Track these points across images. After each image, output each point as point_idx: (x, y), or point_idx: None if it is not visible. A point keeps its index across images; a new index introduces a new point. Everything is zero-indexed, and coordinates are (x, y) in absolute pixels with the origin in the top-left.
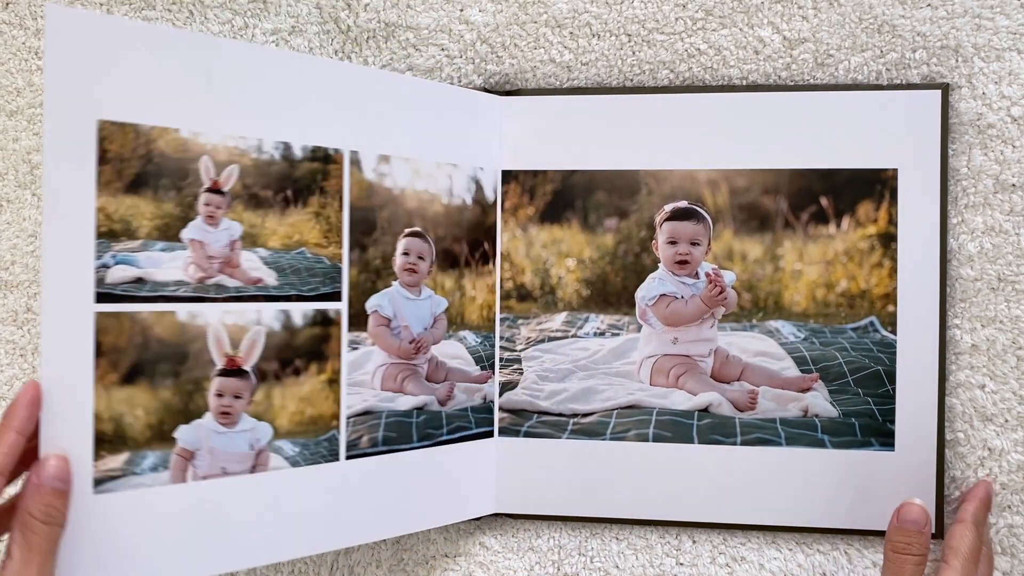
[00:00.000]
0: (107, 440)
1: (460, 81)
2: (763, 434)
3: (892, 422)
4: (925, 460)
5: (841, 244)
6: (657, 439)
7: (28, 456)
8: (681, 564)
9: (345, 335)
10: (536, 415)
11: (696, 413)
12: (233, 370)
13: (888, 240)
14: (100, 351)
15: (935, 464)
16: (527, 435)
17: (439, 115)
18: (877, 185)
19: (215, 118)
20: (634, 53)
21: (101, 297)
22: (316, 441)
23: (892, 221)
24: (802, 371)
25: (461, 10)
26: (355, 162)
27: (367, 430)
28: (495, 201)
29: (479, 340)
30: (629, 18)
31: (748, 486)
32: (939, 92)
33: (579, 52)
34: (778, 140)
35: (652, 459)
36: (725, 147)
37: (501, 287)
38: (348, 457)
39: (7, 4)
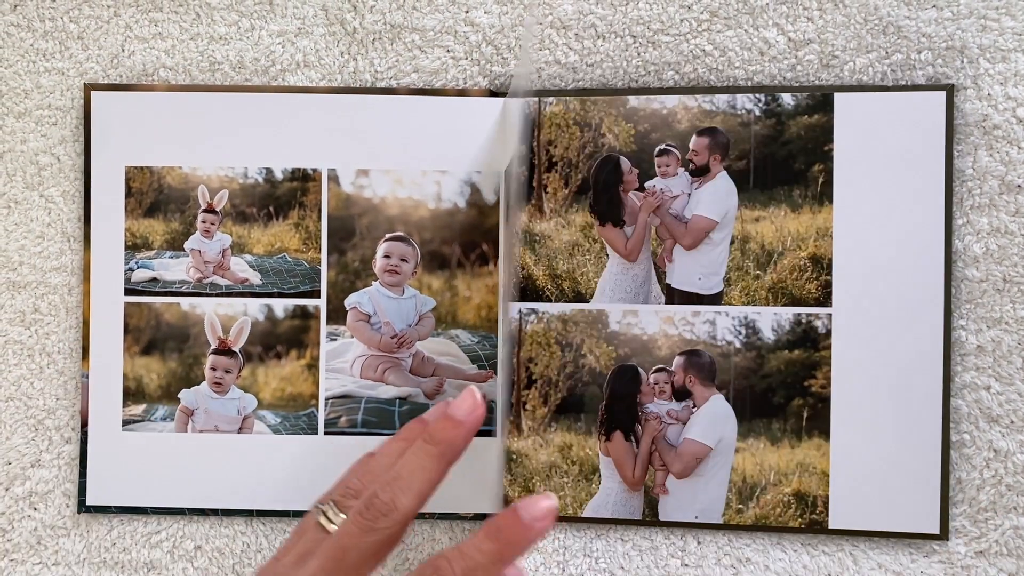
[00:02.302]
0: (131, 393)
1: (465, 83)
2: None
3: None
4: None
5: None
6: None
7: None
8: (686, 565)
9: (324, 327)
10: None
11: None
12: (224, 350)
13: None
14: (127, 330)
15: (940, 466)
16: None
17: (424, 127)
18: None
19: (208, 156)
20: (639, 54)
21: (128, 291)
22: (296, 415)
23: None
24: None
25: (466, 12)
26: (333, 178)
27: (346, 412)
28: (496, 203)
29: (476, 340)
30: (634, 19)
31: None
32: (944, 93)
33: (584, 53)
34: None
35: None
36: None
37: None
38: (326, 433)
39: (15, 6)
